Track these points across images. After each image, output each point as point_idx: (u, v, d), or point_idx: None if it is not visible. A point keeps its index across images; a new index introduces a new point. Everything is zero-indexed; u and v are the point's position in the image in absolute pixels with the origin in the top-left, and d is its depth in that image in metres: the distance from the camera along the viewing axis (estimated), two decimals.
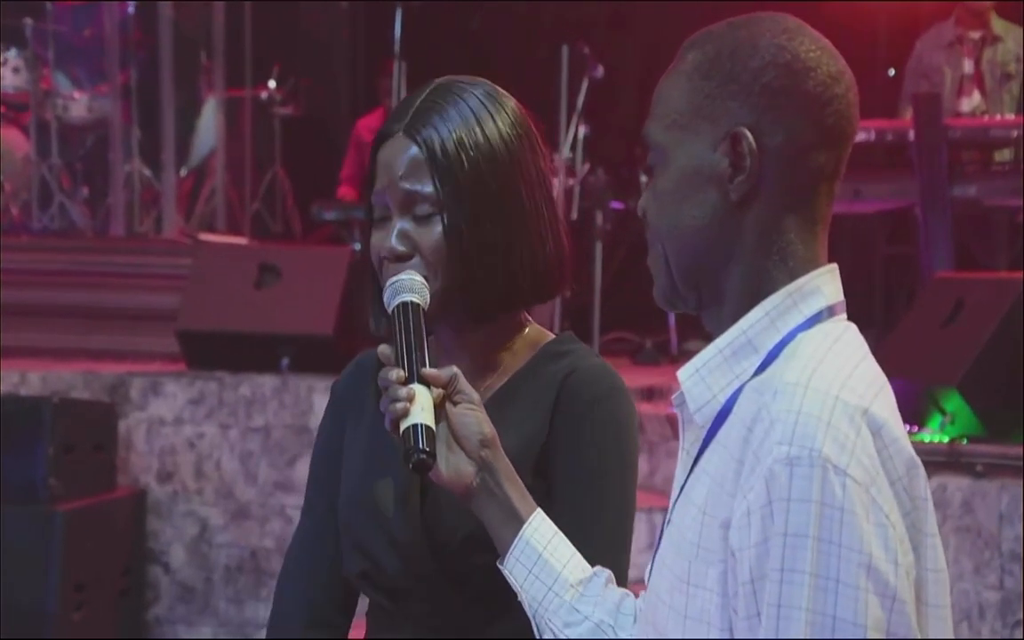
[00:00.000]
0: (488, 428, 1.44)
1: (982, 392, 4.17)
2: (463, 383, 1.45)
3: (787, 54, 1.26)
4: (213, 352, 5.08)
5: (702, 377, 1.27)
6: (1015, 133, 5.53)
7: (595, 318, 5.82)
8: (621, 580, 1.51)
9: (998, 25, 5.82)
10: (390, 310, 1.49)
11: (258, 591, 4.95)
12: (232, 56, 7.31)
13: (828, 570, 1.13)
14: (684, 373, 1.29)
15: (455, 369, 1.45)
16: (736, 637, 1.19)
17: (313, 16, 8.66)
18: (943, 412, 4.17)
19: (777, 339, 1.25)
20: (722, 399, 1.26)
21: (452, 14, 8.03)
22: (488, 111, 1.58)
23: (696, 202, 1.27)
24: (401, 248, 1.56)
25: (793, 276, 1.26)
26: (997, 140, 5.60)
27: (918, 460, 1.21)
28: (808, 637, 1.13)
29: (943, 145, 5.40)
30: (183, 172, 7.37)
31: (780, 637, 1.14)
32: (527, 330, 1.64)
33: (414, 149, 1.55)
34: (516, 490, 1.44)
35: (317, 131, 8.50)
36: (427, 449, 1.39)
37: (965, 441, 4.11)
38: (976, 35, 5.80)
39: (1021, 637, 3.80)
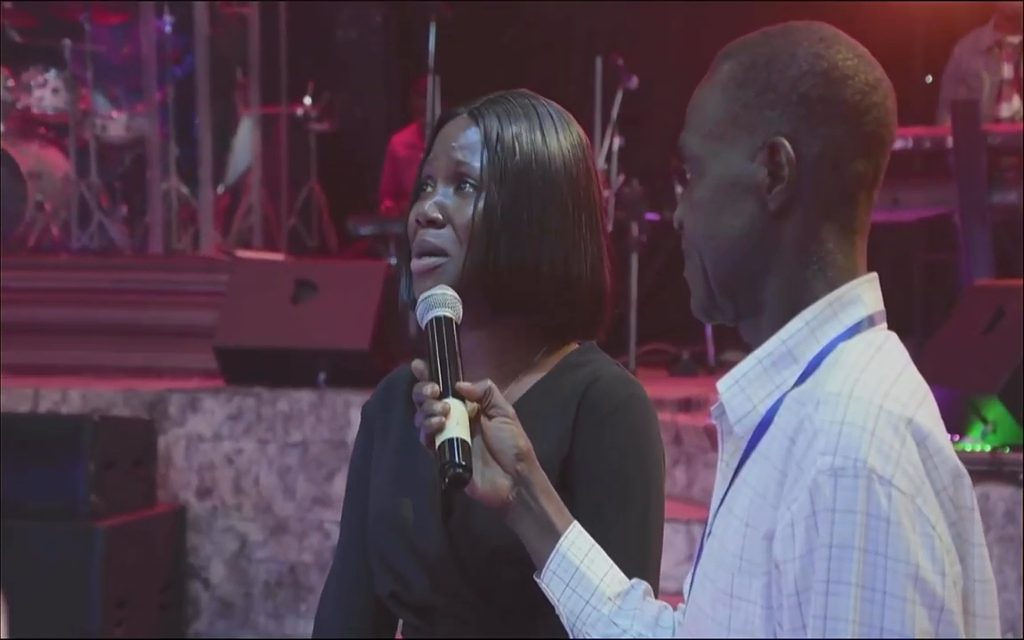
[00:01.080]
0: (524, 442, 1.43)
1: (1023, 400, 4.12)
2: (498, 397, 1.44)
3: (825, 62, 1.25)
4: (251, 368, 5.10)
5: (742, 388, 1.26)
6: None
7: (631, 329, 5.81)
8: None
9: None
10: (423, 325, 1.50)
11: (297, 606, 4.96)
12: (267, 73, 7.35)
13: (875, 581, 1.12)
14: (724, 384, 1.28)
15: (489, 382, 1.44)
16: None
17: (347, 32, 8.70)
18: (984, 421, 4.13)
19: (817, 349, 1.24)
20: (762, 410, 1.25)
21: (486, 27, 8.04)
22: (553, 124, 1.60)
23: (734, 212, 1.26)
24: (435, 214, 1.57)
25: (832, 286, 1.25)
26: None
27: (964, 470, 1.20)
28: None
29: (982, 151, 5.35)
30: (220, 189, 7.41)
31: None
32: (550, 340, 1.63)
33: (473, 128, 1.59)
34: (552, 503, 1.44)
35: (352, 147, 8.53)
36: (463, 463, 1.39)
37: (1007, 450, 4.07)
38: (1016, 40, 5.74)
39: None
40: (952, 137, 5.38)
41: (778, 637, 1.18)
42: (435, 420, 1.40)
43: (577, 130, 1.62)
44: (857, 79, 1.25)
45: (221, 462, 5.01)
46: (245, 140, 7.44)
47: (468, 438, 1.40)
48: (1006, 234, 5.47)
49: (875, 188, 1.28)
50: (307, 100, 7.73)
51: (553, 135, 1.59)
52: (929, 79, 6.03)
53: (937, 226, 5.83)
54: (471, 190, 1.57)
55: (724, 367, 5.78)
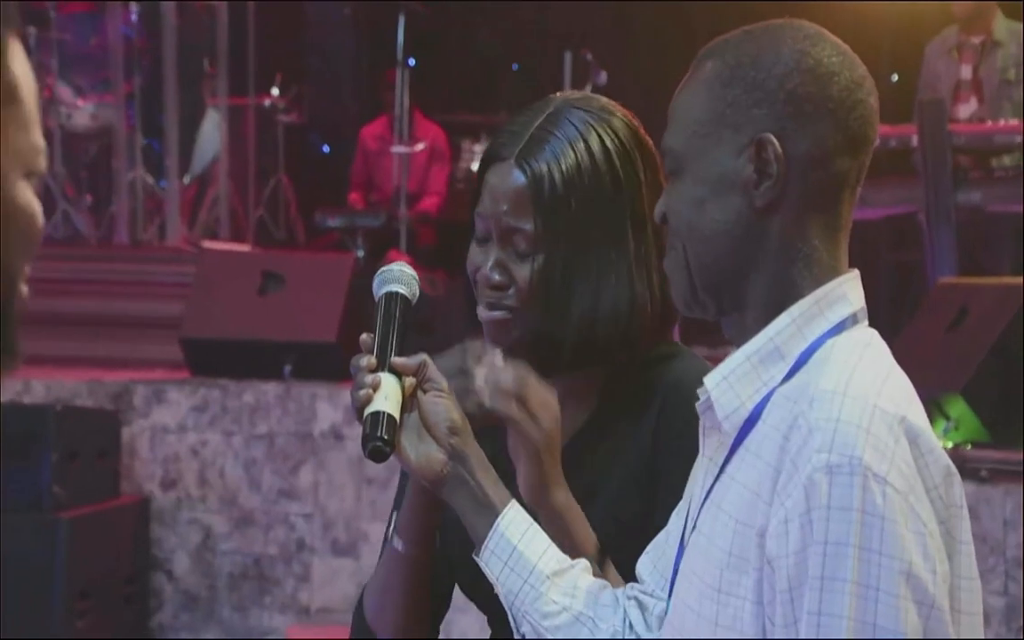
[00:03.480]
0: (457, 415, 1.43)
1: (986, 398, 4.16)
2: (433, 371, 1.44)
3: (810, 60, 1.25)
4: (217, 359, 5.08)
5: (730, 384, 1.26)
6: (1019, 138, 5.52)
7: None
8: None
9: (1002, 28, 5.74)
10: (376, 298, 1.49)
11: (262, 599, 4.94)
12: (235, 64, 7.32)
13: (869, 578, 1.13)
14: (711, 380, 1.28)
15: (424, 356, 1.43)
16: None
17: (316, 24, 8.67)
18: (947, 418, 4.17)
19: (804, 346, 1.24)
20: (750, 406, 1.25)
21: (456, 21, 8.04)
22: (600, 137, 1.55)
23: (720, 209, 1.27)
24: (498, 277, 1.55)
25: (818, 282, 1.26)
26: (1001, 146, 5.58)
27: (954, 468, 1.21)
28: None
29: (947, 151, 5.39)
30: (186, 180, 7.37)
31: None
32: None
33: (521, 180, 1.54)
34: (489, 479, 1.43)
35: (320, 139, 8.50)
36: (385, 437, 1.38)
37: (969, 447, 4.10)
38: (977, 40, 5.76)
39: None
40: (918, 136, 5.41)
41: (768, 633, 1.18)
42: (363, 392, 1.40)
43: (621, 130, 1.57)
44: (842, 76, 1.26)
45: (186, 454, 4.99)
46: (211, 131, 7.40)
47: (396, 412, 1.39)
48: (970, 233, 5.51)
49: (858, 186, 1.29)
50: (275, 91, 7.69)
51: (600, 151, 1.54)
52: (895, 78, 6.08)
53: (903, 225, 5.86)
54: (527, 249, 1.54)
55: None
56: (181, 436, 5.00)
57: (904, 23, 6.22)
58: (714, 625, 1.22)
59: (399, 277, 1.49)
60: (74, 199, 6.80)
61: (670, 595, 1.34)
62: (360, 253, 6.52)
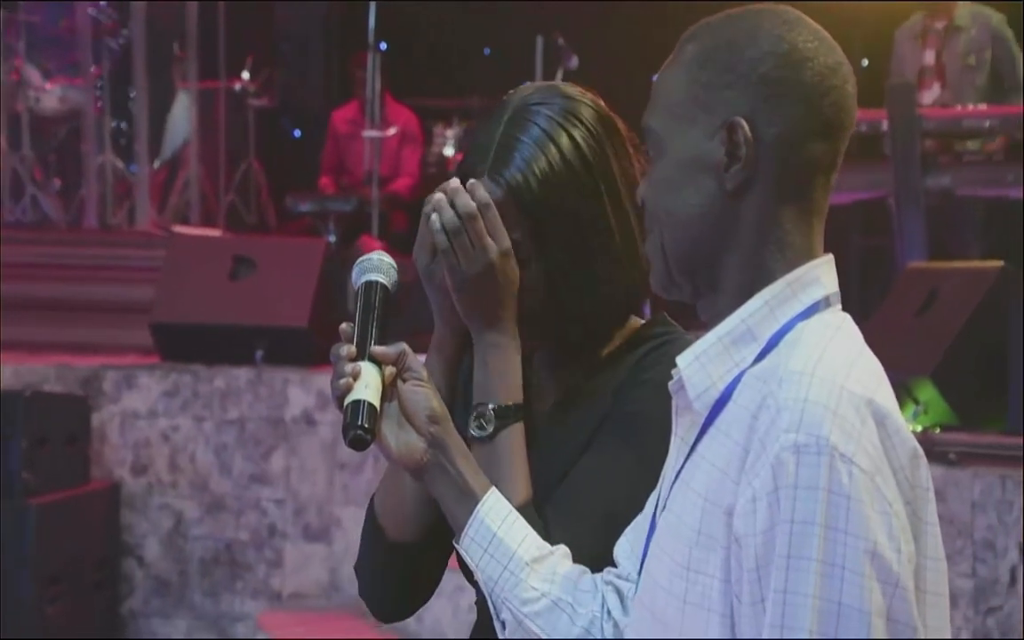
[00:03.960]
0: (437, 403, 1.44)
1: (955, 382, 4.19)
2: (412, 360, 1.44)
3: (785, 44, 1.26)
4: (187, 344, 5.06)
5: (702, 364, 1.27)
6: (987, 123, 5.56)
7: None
8: (616, 528, 1.46)
9: (964, 13, 5.78)
10: (355, 287, 1.49)
11: (233, 584, 4.94)
12: (205, 47, 7.28)
13: (835, 557, 1.15)
14: (684, 360, 1.29)
15: (403, 346, 1.44)
16: (739, 623, 1.19)
17: (287, 7, 8.62)
18: (916, 401, 4.20)
19: (776, 328, 1.26)
20: (721, 386, 1.26)
21: (427, 5, 8.01)
22: (567, 132, 1.53)
23: (693, 190, 1.27)
24: None
25: (791, 266, 1.27)
26: (969, 130, 5.61)
27: (920, 450, 1.22)
28: (814, 623, 1.15)
29: (916, 135, 5.42)
30: (156, 164, 7.33)
31: (786, 622, 1.15)
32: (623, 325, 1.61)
33: (499, 194, 1.52)
34: (469, 466, 1.43)
35: (291, 123, 8.47)
36: (365, 425, 1.39)
37: (938, 430, 4.13)
38: (939, 26, 5.80)
39: (995, 625, 3.82)
40: (888, 121, 5.44)
41: (736, 611, 1.19)
42: (343, 381, 1.40)
43: (586, 116, 1.56)
44: (816, 61, 1.26)
45: (157, 439, 4.97)
46: (182, 115, 7.36)
47: (376, 401, 1.40)
48: (939, 218, 5.54)
49: (833, 171, 1.29)
50: (246, 75, 7.66)
51: (570, 146, 1.53)
52: (865, 63, 6.10)
53: (872, 209, 5.89)
54: (519, 256, 1.53)
55: None
56: (152, 421, 4.98)
57: (876, 8, 6.24)
58: (683, 602, 1.23)
59: (378, 266, 1.49)
60: (42, 183, 6.76)
61: (640, 573, 1.35)
62: (332, 238, 6.50)
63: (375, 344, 1.43)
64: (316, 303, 5.06)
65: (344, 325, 1.46)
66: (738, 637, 1.20)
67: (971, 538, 3.87)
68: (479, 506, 1.42)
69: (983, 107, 5.65)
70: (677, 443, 1.32)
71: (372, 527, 1.60)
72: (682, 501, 1.26)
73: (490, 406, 1.51)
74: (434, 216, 1.50)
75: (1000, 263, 4.43)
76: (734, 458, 1.21)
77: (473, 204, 1.50)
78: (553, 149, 1.53)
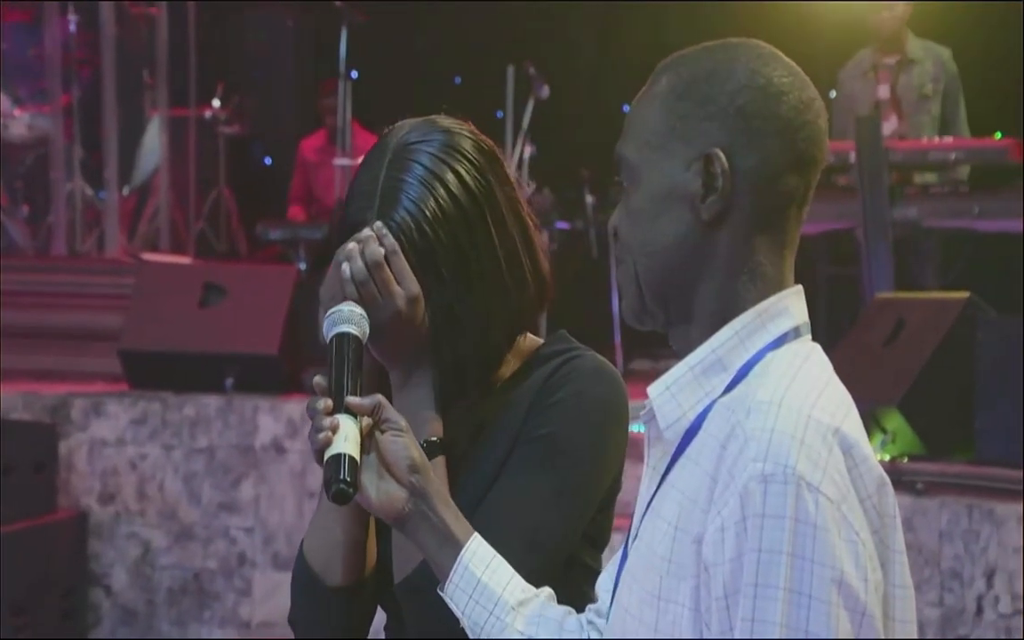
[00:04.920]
0: (416, 453, 1.43)
1: (922, 411, 4.22)
2: (389, 410, 1.44)
3: (761, 78, 1.28)
4: (156, 372, 5.04)
5: (672, 394, 1.29)
6: (953, 155, 5.62)
7: (541, 337, 5.82)
8: (547, 541, 1.48)
9: (916, 47, 5.89)
10: (327, 341, 1.49)
11: (201, 613, 4.90)
12: (176, 74, 7.27)
13: (801, 586, 1.16)
14: (654, 390, 1.30)
15: (379, 397, 1.44)
16: None
17: (258, 35, 8.63)
18: (884, 430, 4.22)
19: (746, 358, 1.27)
20: (692, 416, 1.27)
21: (398, 34, 8.03)
22: (451, 168, 1.55)
23: (669, 221, 1.29)
24: None
25: (762, 296, 1.28)
26: (936, 162, 5.68)
27: (887, 479, 1.24)
28: None
29: (884, 167, 5.47)
30: (126, 191, 7.31)
31: None
32: (518, 343, 1.63)
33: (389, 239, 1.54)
34: (451, 513, 1.43)
35: (262, 150, 8.46)
36: (347, 479, 1.38)
37: (906, 459, 4.16)
38: (892, 60, 5.89)
39: None
40: (855, 153, 5.49)
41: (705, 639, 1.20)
42: (322, 435, 1.40)
43: (467, 149, 1.57)
44: (792, 96, 1.28)
45: (125, 467, 4.94)
46: (153, 141, 7.34)
47: (356, 453, 1.40)
48: (906, 248, 5.59)
49: (805, 205, 1.31)
50: (216, 103, 7.65)
51: (456, 182, 1.54)
52: (833, 94, 6.15)
53: (840, 239, 5.94)
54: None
55: (632, 376, 5.83)
56: (120, 449, 4.95)
57: (844, 41, 6.30)
58: (654, 631, 1.24)
59: (349, 318, 1.49)
60: (10, 209, 6.72)
61: (612, 603, 1.35)
62: (302, 265, 6.49)
63: (351, 395, 1.43)
64: (286, 331, 5.05)
65: (318, 378, 1.46)
66: None
67: (938, 567, 3.90)
68: (463, 552, 1.42)
69: (949, 139, 5.72)
70: (649, 472, 1.33)
71: (306, 575, 1.59)
72: (652, 530, 1.27)
73: None
74: (344, 266, 1.52)
75: (966, 294, 4.47)
76: (703, 487, 1.22)
77: (380, 252, 1.51)
78: (440, 187, 1.54)
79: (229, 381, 4.93)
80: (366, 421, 1.42)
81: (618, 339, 6.11)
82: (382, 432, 1.43)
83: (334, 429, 1.40)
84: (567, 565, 1.57)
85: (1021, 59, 6.12)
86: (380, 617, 1.66)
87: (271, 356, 4.98)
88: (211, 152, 7.64)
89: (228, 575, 4.88)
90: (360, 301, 1.51)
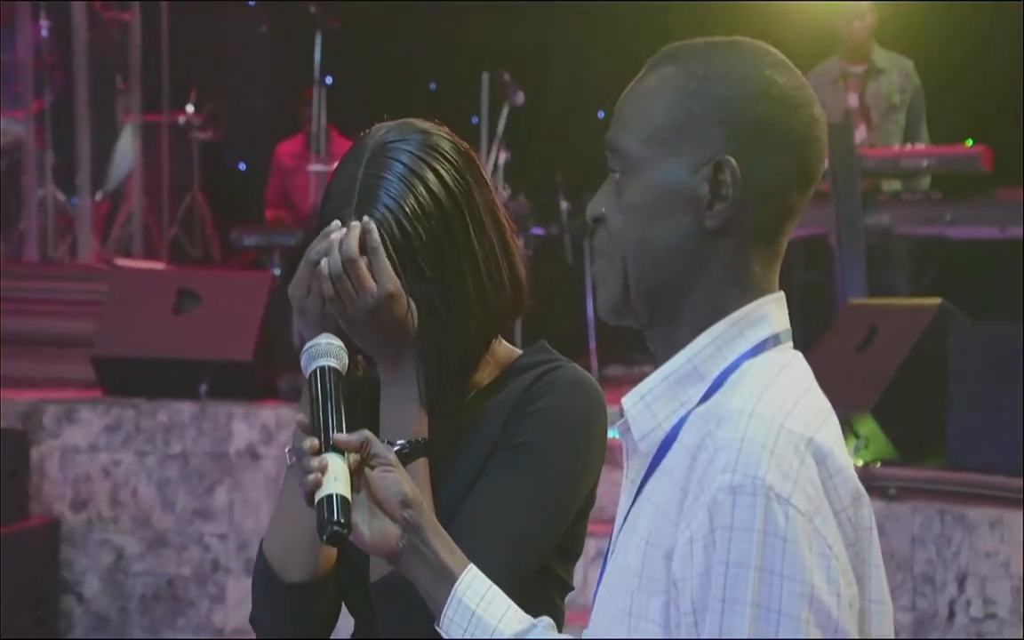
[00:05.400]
0: (409, 488, 1.40)
1: (895, 417, 4.24)
2: (377, 446, 1.41)
3: (776, 89, 1.24)
4: (130, 379, 5.02)
5: (647, 404, 1.25)
6: (925, 163, 5.66)
7: (518, 345, 5.82)
8: (520, 552, 1.47)
9: (882, 57, 5.93)
10: (306, 374, 1.46)
11: (175, 621, 4.88)
12: (149, 80, 7.24)
13: (770, 601, 1.12)
14: (629, 400, 1.26)
15: (366, 433, 1.41)
16: None
17: (232, 40, 8.60)
18: (857, 436, 4.24)
19: (723, 366, 1.23)
20: (667, 427, 1.24)
21: (372, 39, 8.03)
22: (430, 167, 1.54)
23: (668, 223, 1.24)
24: None
25: (744, 305, 1.25)
26: (908, 170, 5.72)
27: (863, 490, 1.21)
28: None
29: (857, 174, 5.50)
30: (98, 196, 7.27)
31: None
32: (495, 350, 1.62)
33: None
34: (445, 546, 1.40)
35: (236, 156, 8.44)
36: (341, 520, 1.35)
37: (879, 465, 4.18)
38: (859, 69, 5.92)
39: None
40: (828, 159, 5.51)
41: None
42: (312, 477, 1.37)
43: (446, 145, 1.56)
44: (804, 111, 1.25)
45: (98, 474, 4.92)
46: (127, 147, 7.31)
47: (347, 492, 1.37)
48: (879, 255, 5.62)
49: (799, 218, 1.28)
50: (190, 108, 7.63)
51: (435, 181, 1.53)
52: None
53: (813, 246, 5.97)
54: None
55: (606, 382, 5.84)
56: (93, 456, 4.92)
57: (810, 48, 6.33)
58: None
59: (327, 351, 1.46)
60: None
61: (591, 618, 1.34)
62: (277, 271, 6.48)
63: (337, 432, 1.40)
64: (261, 337, 5.04)
65: (300, 417, 1.44)
66: None
67: (911, 572, 3.91)
68: (456, 585, 1.38)
69: (921, 147, 5.76)
70: (627, 485, 1.30)
71: (266, 574, 1.58)
72: (627, 544, 1.24)
73: (396, 443, 1.51)
74: (323, 261, 1.50)
75: (939, 300, 4.50)
76: (673, 499, 1.19)
77: (355, 249, 1.49)
78: (419, 185, 1.53)
79: (203, 387, 4.91)
80: (353, 457, 1.39)
81: (593, 344, 6.12)
82: (371, 468, 1.40)
83: (323, 469, 1.36)
84: (540, 574, 1.56)
85: (979, 66, 6.17)
86: (348, 622, 1.66)
87: (245, 362, 4.96)
88: (185, 157, 7.61)
89: (202, 582, 4.86)
90: (339, 306, 1.50)
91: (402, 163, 1.54)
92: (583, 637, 1.36)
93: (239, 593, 4.84)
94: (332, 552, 1.57)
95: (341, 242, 1.50)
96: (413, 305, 1.52)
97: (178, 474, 4.87)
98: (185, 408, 4.88)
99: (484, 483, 1.54)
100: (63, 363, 5.51)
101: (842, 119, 5.79)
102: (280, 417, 4.80)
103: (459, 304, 1.54)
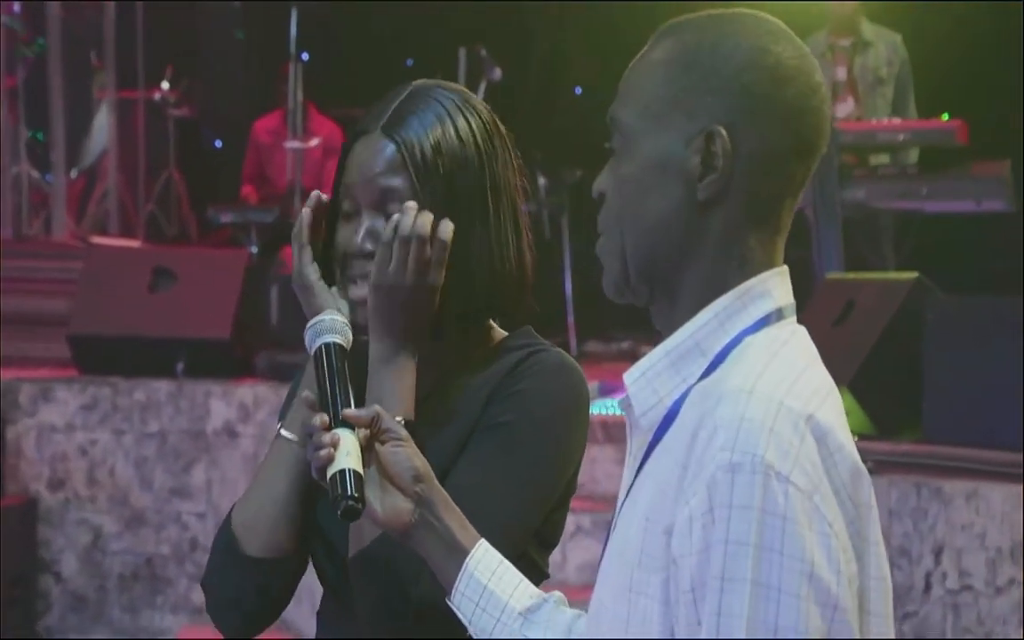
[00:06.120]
0: (420, 462, 1.40)
1: (872, 391, 4.26)
2: (388, 421, 1.41)
3: (771, 58, 1.23)
4: (106, 357, 4.99)
5: (648, 381, 1.24)
6: (902, 137, 5.68)
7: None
8: (499, 531, 1.46)
9: (869, 30, 5.95)
10: (311, 352, 1.46)
11: (153, 599, 4.87)
12: (124, 57, 7.19)
13: (769, 578, 1.12)
14: (630, 377, 1.25)
15: (377, 408, 1.42)
16: None
17: (207, 17, 8.55)
18: None
19: (725, 342, 1.22)
20: (668, 403, 1.23)
21: (349, 15, 7.99)
22: (464, 116, 1.58)
23: (661, 195, 1.23)
24: (370, 246, 1.55)
25: (746, 279, 1.24)
26: (883, 143, 5.73)
27: (863, 467, 1.20)
28: None
29: (834, 149, 5.51)
30: (74, 174, 7.23)
31: None
32: (486, 333, 1.63)
33: (391, 148, 1.55)
34: (456, 521, 1.40)
35: (212, 133, 8.40)
36: (355, 495, 1.36)
37: (856, 439, 4.19)
38: (847, 42, 5.94)
39: (909, 630, 3.89)
40: None
41: (675, 634, 1.17)
42: (324, 452, 1.37)
43: (483, 110, 1.60)
44: (800, 80, 1.23)
45: (74, 453, 4.90)
46: (103, 124, 7.27)
47: (360, 468, 1.37)
48: (855, 229, 5.64)
49: (800, 191, 1.27)
50: (165, 85, 7.58)
51: (466, 128, 1.57)
52: None
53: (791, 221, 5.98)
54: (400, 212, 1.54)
55: (585, 358, 5.84)
56: (69, 435, 4.90)
57: (798, 22, 6.34)
58: (625, 625, 1.20)
59: (331, 327, 1.47)
60: None
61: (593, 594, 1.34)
62: (254, 249, 6.45)
63: (344, 407, 1.40)
64: (238, 314, 5.02)
65: (307, 393, 1.45)
66: None
67: (887, 545, 3.94)
68: (468, 560, 1.38)
69: (897, 121, 5.78)
70: (629, 461, 1.29)
71: (227, 540, 1.58)
72: (628, 521, 1.23)
73: None
74: (396, 217, 1.52)
75: (915, 274, 4.51)
76: (672, 476, 1.18)
77: (427, 229, 1.51)
78: (449, 125, 1.56)
79: (180, 365, 4.90)
80: (363, 432, 1.39)
81: (571, 320, 6.12)
82: (382, 443, 1.40)
83: (335, 444, 1.37)
84: (516, 560, 1.56)
85: (956, 41, 6.19)
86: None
87: (222, 340, 4.95)
88: (161, 135, 7.56)
89: (180, 560, 4.85)
90: (382, 261, 1.51)
91: (439, 102, 1.58)
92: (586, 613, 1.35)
93: None
94: (293, 523, 1.57)
95: (417, 216, 1.52)
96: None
97: (155, 452, 4.86)
98: (162, 386, 4.87)
99: (464, 465, 1.54)
100: (38, 342, 5.48)
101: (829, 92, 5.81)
102: (258, 395, 4.79)
103: (464, 251, 1.55)
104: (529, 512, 1.56)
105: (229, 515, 1.60)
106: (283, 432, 1.57)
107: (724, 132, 1.21)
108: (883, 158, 5.82)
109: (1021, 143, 5.85)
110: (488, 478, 1.52)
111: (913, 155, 5.83)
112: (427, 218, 1.52)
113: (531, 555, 1.58)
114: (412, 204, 1.52)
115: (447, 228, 1.53)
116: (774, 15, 1.28)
